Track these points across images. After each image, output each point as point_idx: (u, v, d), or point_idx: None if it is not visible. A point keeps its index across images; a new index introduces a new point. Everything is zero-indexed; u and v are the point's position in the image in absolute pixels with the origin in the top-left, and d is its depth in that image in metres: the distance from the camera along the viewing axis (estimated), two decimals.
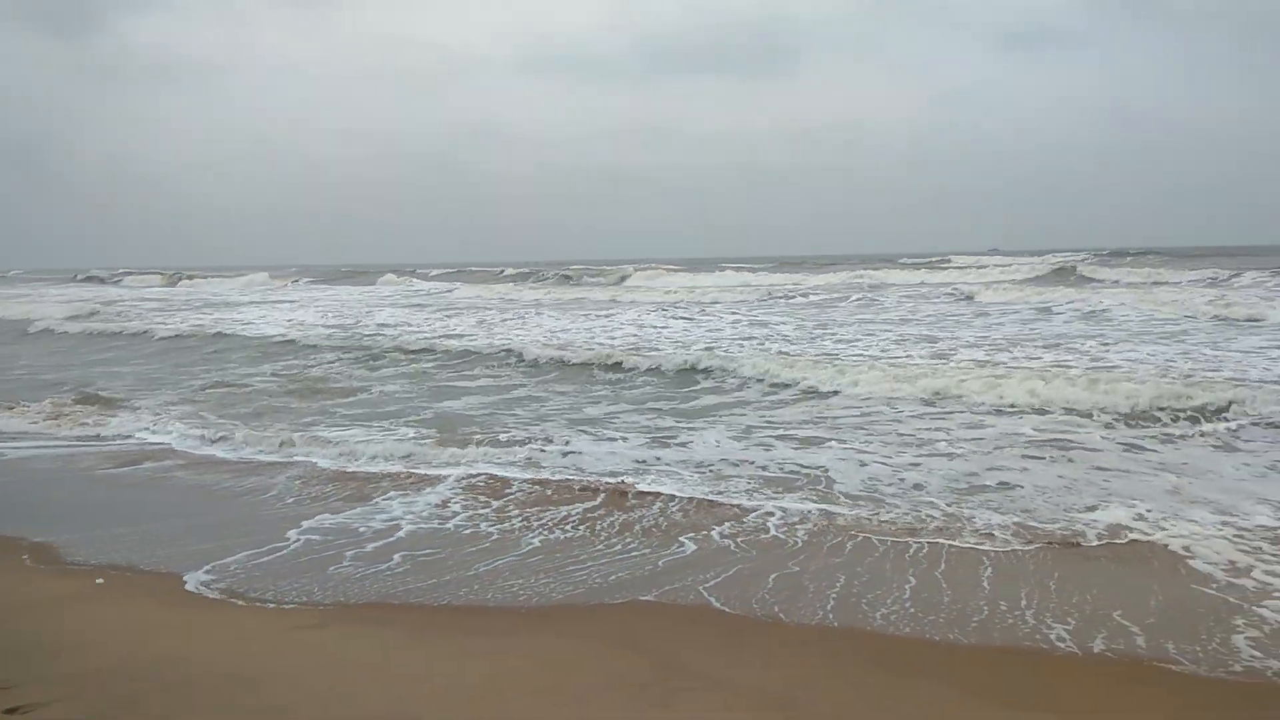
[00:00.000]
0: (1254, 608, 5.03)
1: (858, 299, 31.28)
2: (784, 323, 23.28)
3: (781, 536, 6.52)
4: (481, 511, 7.28)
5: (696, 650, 4.67)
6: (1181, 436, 9.28)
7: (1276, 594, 5.22)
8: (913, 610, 5.16)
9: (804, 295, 34.76)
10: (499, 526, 6.88)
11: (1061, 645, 4.68)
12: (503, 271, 69.06)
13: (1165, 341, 16.58)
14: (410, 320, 27.06)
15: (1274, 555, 5.80)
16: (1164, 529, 6.37)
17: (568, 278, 56.04)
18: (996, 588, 5.47)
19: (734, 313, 27.40)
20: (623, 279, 51.71)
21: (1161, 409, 10.15)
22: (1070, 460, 8.50)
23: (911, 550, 6.14)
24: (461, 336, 21.15)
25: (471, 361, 16.94)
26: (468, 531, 6.79)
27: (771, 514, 6.98)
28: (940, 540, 6.32)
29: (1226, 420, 9.61)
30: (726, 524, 6.78)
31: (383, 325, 25.43)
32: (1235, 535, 6.20)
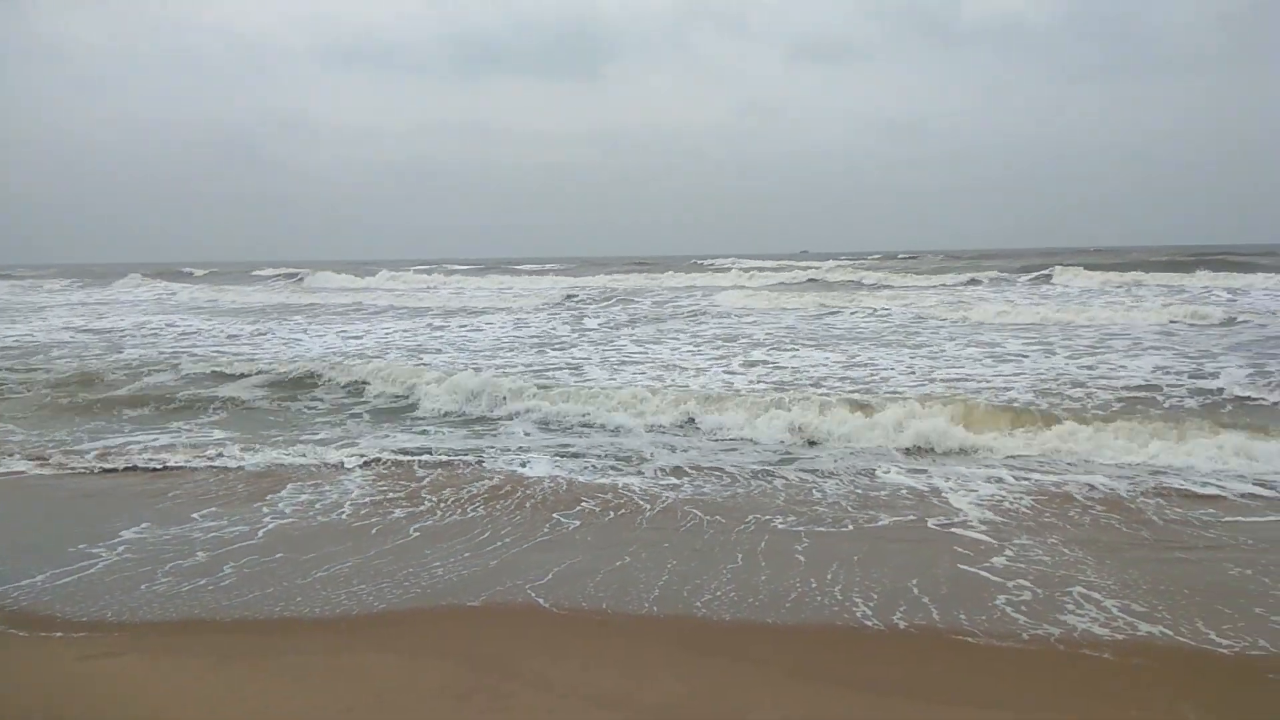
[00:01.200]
0: None
1: (571, 310, 30.07)
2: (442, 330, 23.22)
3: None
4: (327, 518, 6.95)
5: (525, 652, 4.59)
6: None
7: None
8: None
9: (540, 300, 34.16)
10: (338, 529, 6.60)
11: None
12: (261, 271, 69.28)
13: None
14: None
15: None
16: None
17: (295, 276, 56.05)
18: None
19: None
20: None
21: None
22: None
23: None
24: None
25: None
26: (303, 536, 6.47)
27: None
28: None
29: None
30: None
31: None
32: None
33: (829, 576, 5.55)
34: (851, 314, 25.13)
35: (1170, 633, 4.64)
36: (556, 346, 18.58)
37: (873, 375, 13.53)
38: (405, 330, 23.39)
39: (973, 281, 38.16)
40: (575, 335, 20.96)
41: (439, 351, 18.08)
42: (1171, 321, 19.69)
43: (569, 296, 35.70)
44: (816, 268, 51.68)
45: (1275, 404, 10.55)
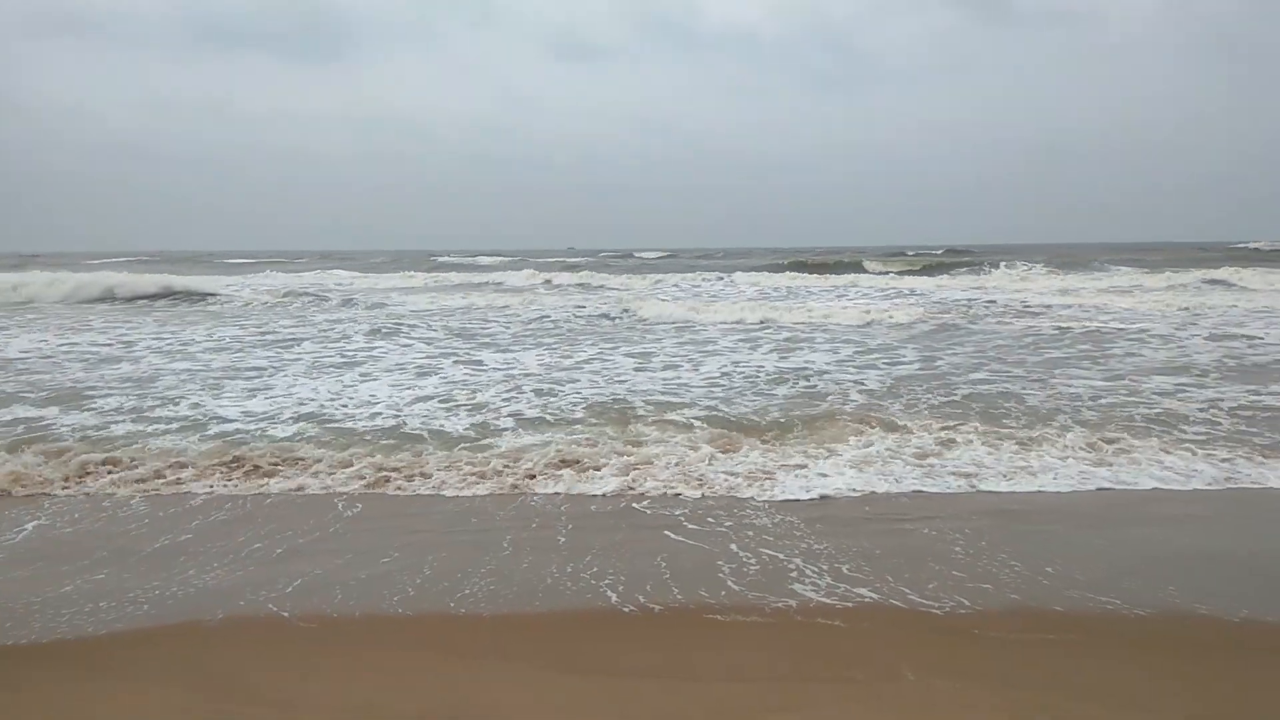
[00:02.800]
0: None
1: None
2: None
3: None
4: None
5: (266, 669, 4.28)
6: None
7: None
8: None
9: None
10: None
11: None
12: None
13: None
14: None
15: None
16: None
17: None
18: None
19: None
20: None
21: None
22: None
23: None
24: None
25: None
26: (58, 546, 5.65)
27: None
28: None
29: None
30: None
31: None
32: None
33: (587, 560, 5.63)
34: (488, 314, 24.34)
35: (889, 598, 5.11)
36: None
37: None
38: None
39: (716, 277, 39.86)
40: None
41: None
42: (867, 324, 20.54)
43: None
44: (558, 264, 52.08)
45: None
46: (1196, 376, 12.05)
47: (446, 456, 8.13)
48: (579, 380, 12.24)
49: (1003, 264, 43.70)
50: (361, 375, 12.85)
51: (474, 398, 10.87)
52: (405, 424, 9.40)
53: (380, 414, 9.90)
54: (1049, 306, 23.31)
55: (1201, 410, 9.84)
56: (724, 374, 12.75)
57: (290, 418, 9.74)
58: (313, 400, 10.74)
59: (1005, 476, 7.47)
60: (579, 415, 9.74)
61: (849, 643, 4.57)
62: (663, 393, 11.06)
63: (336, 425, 9.34)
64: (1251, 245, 69.64)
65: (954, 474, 7.54)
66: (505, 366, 13.73)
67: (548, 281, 39.26)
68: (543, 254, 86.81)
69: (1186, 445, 8.30)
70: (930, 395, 10.75)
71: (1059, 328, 18.42)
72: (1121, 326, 18.45)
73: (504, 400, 10.66)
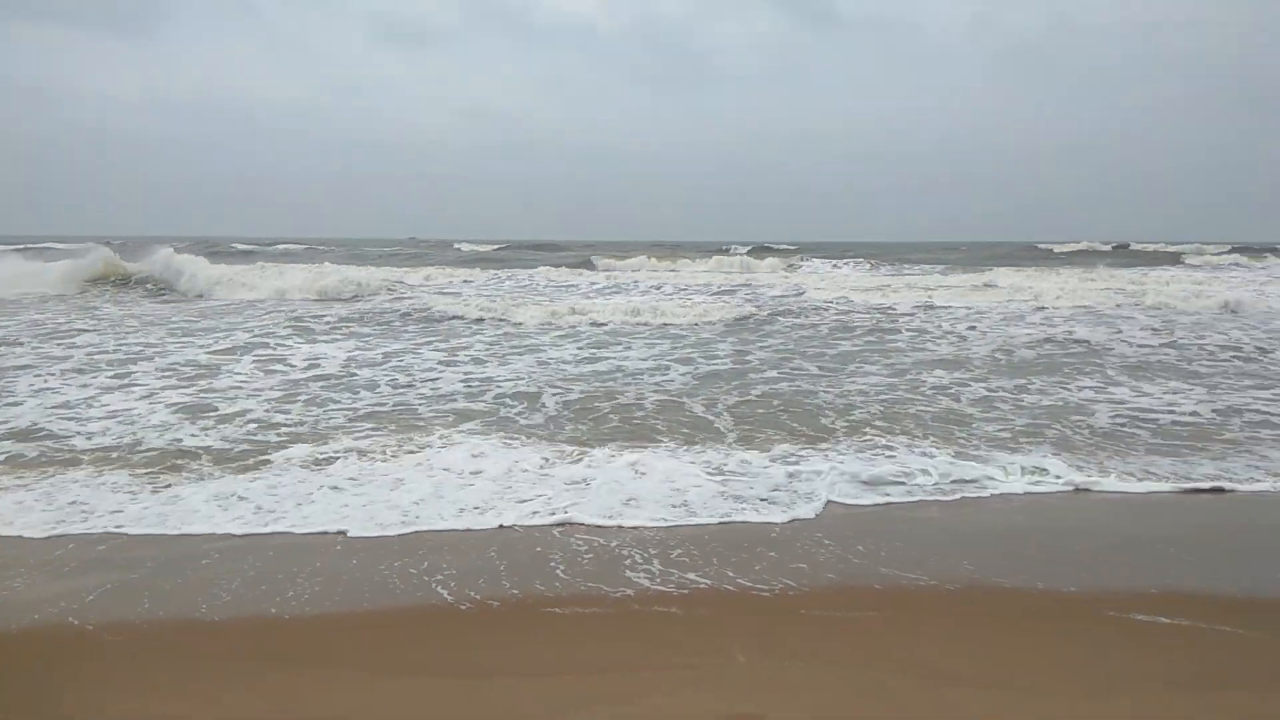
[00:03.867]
0: None
1: None
2: None
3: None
4: None
5: (69, 686, 3.92)
6: None
7: None
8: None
9: None
10: None
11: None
12: None
13: None
14: None
15: None
16: None
17: None
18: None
19: None
20: None
21: None
22: None
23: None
24: None
25: None
26: None
27: None
28: None
29: None
30: None
31: None
32: None
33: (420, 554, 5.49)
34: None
35: (720, 583, 5.28)
36: None
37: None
38: None
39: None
40: None
41: None
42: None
43: None
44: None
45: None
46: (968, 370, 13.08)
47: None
48: (378, 377, 11.88)
49: (814, 260, 45.90)
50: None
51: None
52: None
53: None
54: (850, 303, 24.60)
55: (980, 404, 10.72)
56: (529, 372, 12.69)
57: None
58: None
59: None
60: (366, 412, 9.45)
61: (683, 629, 4.68)
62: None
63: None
64: (1044, 245, 75.44)
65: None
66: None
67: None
68: (382, 244, 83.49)
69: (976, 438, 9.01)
70: (729, 395, 10.96)
71: (844, 322, 19.58)
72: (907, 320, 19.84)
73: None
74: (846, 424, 9.21)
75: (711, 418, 9.47)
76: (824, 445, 8.37)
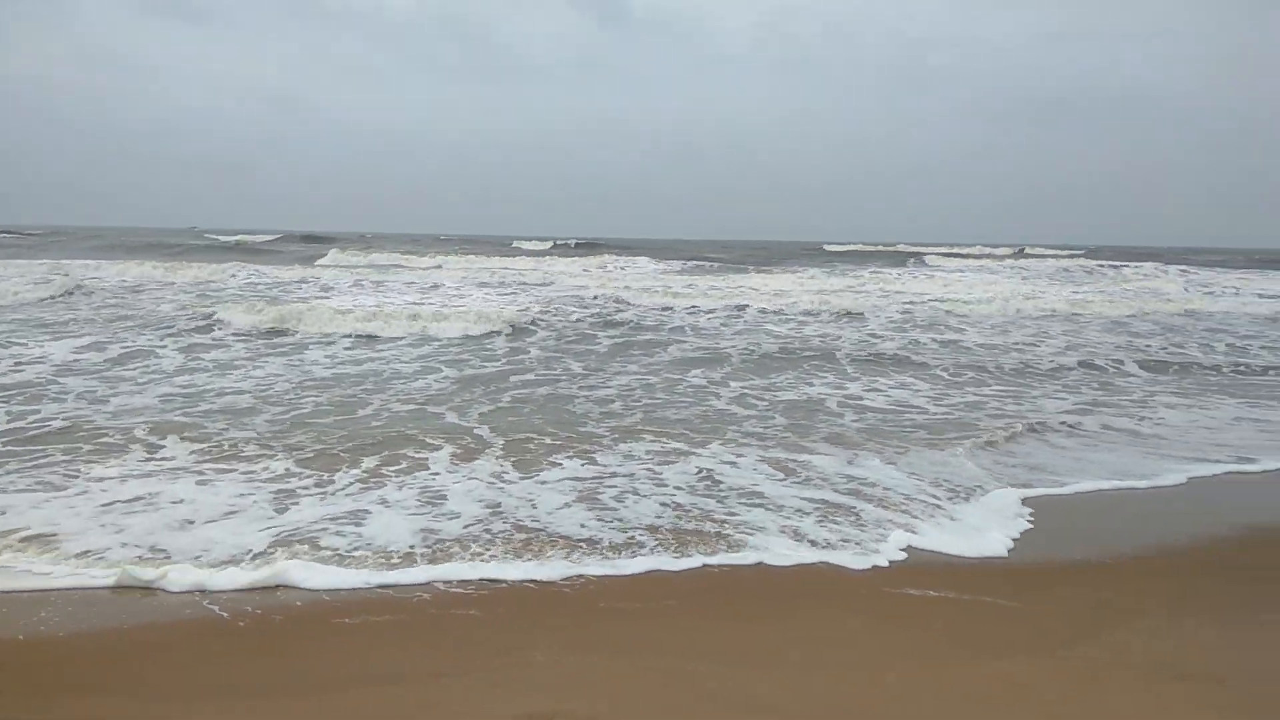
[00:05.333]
0: None
1: None
2: None
3: None
4: None
5: None
6: None
7: None
8: None
9: None
10: None
11: None
12: None
13: None
14: None
15: None
16: None
17: None
18: None
19: None
20: None
21: None
22: None
23: None
24: None
25: None
26: None
27: None
28: None
29: None
30: None
31: None
32: None
33: None
34: None
35: (522, 581, 5.23)
36: None
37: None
38: None
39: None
40: None
41: None
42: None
43: None
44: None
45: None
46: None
47: None
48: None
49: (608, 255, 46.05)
50: None
51: None
52: None
53: None
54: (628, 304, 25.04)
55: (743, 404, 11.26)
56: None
57: None
58: None
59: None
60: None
61: (485, 631, 4.58)
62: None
63: None
64: (828, 245, 79.32)
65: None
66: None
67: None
68: (162, 233, 75.42)
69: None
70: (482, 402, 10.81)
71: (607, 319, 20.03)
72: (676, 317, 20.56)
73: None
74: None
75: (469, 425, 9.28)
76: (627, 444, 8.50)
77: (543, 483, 7.21)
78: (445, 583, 5.13)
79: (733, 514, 6.49)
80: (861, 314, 21.40)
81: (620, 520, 6.34)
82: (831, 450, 8.46)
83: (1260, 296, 30.08)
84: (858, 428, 9.55)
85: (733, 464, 7.90)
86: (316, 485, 6.98)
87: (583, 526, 6.20)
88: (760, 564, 5.58)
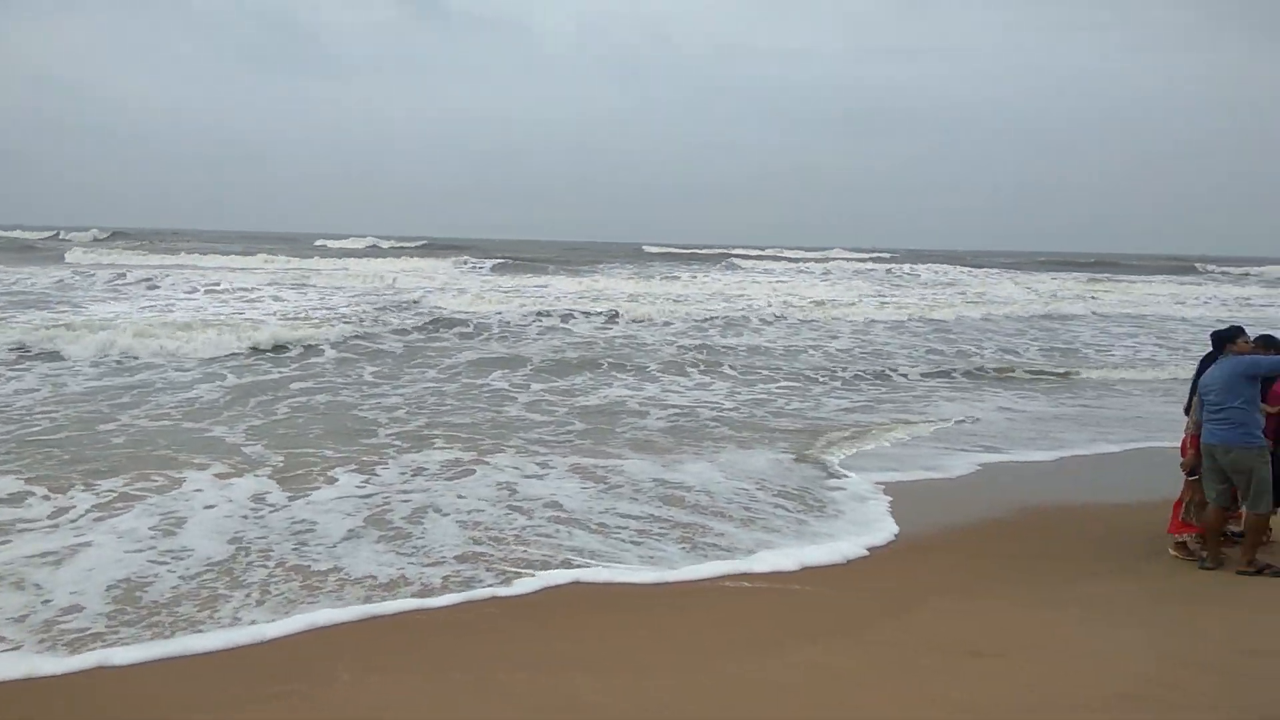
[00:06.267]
0: None
1: None
2: None
3: None
4: None
5: None
6: None
7: None
8: None
9: None
10: None
11: None
12: None
13: None
14: None
15: None
16: None
17: None
18: None
19: None
20: None
21: None
22: None
23: None
24: None
25: None
26: None
27: None
28: None
29: None
30: None
31: None
32: None
33: None
34: None
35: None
36: None
37: None
38: None
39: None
40: None
41: None
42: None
43: None
44: None
45: None
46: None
47: None
48: None
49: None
50: None
51: None
52: None
53: None
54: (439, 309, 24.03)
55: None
56: None
57: None
58: None
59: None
60: None
61: (283, 655, 4.28)
62: None
63: None
64: (649, 247, 79.08)
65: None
66: None
67: None
68: None
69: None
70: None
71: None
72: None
73: None
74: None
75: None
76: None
77: (317, 504, 6.57)
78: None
79: (547, 535, 6.12)
80: (651, 318, 21.36)
81: (421, 550, 5.76)
82: (639, 454, 8.36)
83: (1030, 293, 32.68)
84: (661, 429, 9.48)
85: (538, 476, 7.57)
86: (44, 515, 6.09)
87: (379, 565, 5.48)
88: (576, 582, 5.35)
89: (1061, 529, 6.63)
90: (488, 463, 7.87)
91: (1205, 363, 6.14)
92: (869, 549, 6.05)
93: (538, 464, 7.92)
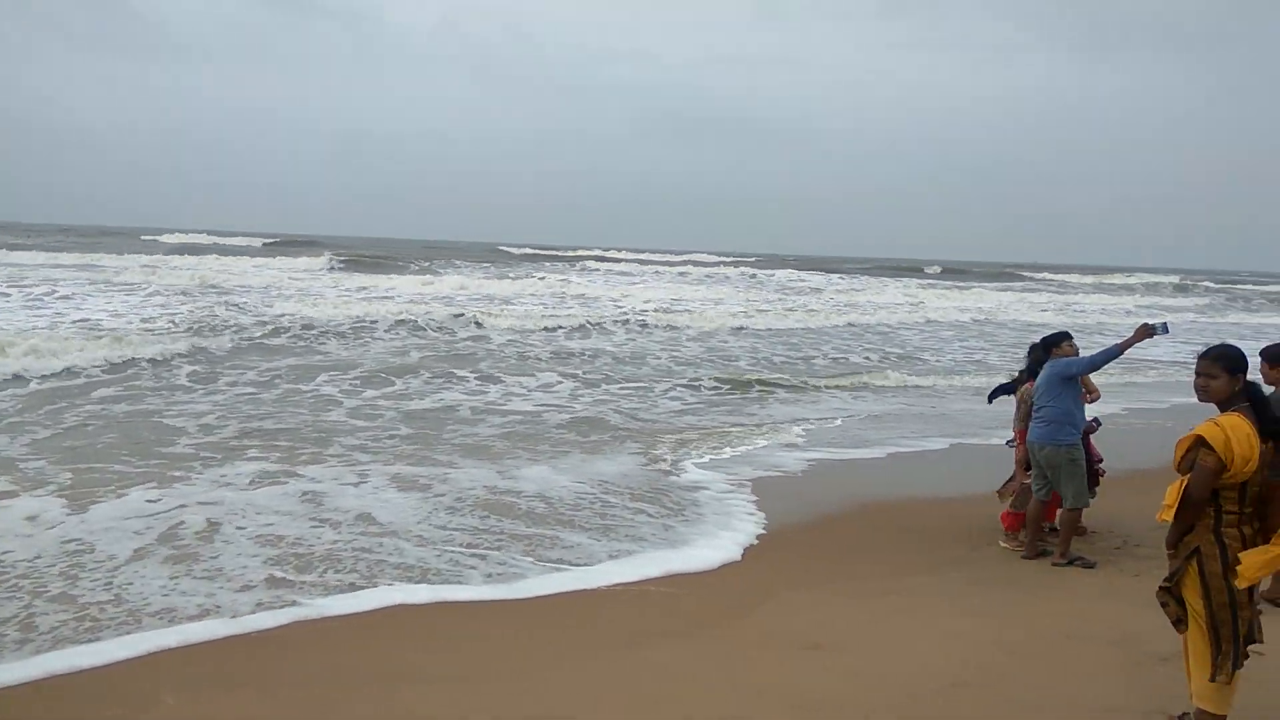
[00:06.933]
0: None
1: None
2: None
3: None
4: None
5: None
6: None
7: None
8: None
9: None
10: None
11: None
12: None
13: None
14: None
15: None
16: None
17: None
18: None
19: None
20: None
21: None
22: None
23: None
24: None
25: None
26: None
27: None
28: None
29: None
30: None
31: None
32: None
33: None
34: None
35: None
36: None
37: None
38: None
39: None
40: None
41: None
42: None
43: None
44: None
45: None
46: None
47: None
48: None
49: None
50: None
51: None
52: None
53: None
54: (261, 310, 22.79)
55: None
56: None
57: None
58: None
59: None
60: None
61: (104, 682, 4.00)
62: None
63: None
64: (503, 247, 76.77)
65: None
66: None
67: None
68: None
69: None
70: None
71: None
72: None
73: None
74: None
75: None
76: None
77: (94, 524, 5.87)
78: None
79: (364, 549, 5.71)
80: (493, 318, 20.73)
81: (218, 571, 5.25)
82: (470, 461, 8.00)
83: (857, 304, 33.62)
84: (496, 434, 9.14)
85: (353, 485, 7.09)
86: None
87: (173, 588, 4.99)
88: (399, 605, 4.98)
89: (897, 523, 6.81)
90: (299, 474, 7.30)
91: (1033, 365, 6.36)
92: (716, 550, 6.03)
93: (356, 473, 7.41)
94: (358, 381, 11.95)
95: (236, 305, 20.84)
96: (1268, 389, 4.73)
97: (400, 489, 7.01)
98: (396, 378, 12.37)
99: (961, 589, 5.43)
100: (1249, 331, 27.24)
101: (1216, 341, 4.36)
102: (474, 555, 5.70)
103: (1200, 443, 3.27)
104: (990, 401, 7.01)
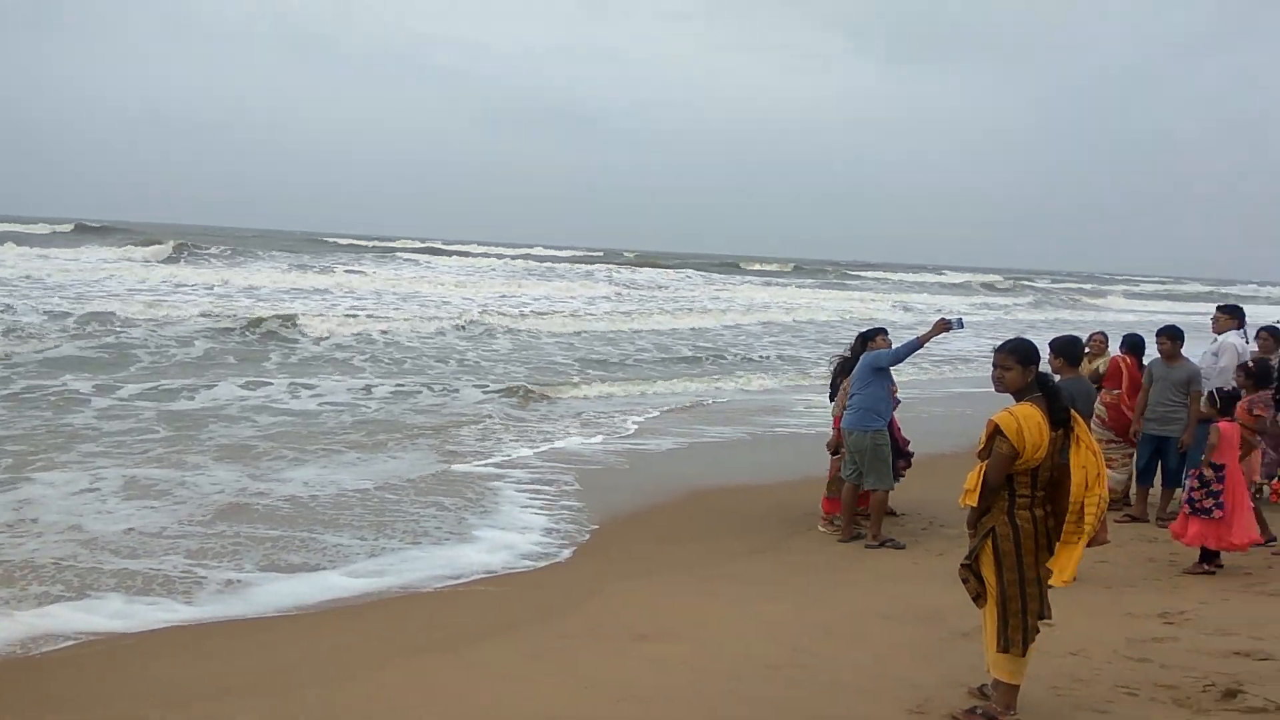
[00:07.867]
0: None
1: None
2: None
3: None
4: None
5: None
6: None
7: None
8: None
9: None
10: None
11: None
12: None
13: None
14: None
15: None
16: None
17: None
18: None
19: None
20: None
21: None
22: None
23: None
24: None
25: None
26: None
27: None
28: None
29: None
30: None
31: None
32: None
33: None
34: None
35: None
36: None
37: None
38: None
39: None
40: None
41: None
42: None
43: None
44: None
45: None
46: None
47: None
48: None
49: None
50: None
51: None
52: None
53: None
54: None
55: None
56: None
57: None
58: None
59: None
60: None
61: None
62: None
63: None
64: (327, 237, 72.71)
65: None
66: None
67: None
68: None
69: None
70: None
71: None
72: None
73: None
74: None
75: None
76: None
77: None
78: None
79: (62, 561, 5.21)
80: (294, 315, 19.50)
81: None
82: (224, 463, 7.48)
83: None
84: (262, 434, 8.64)
85: (93, 489, 6.54)
86: None
87: None
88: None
89: (719, 510, 6.99)
90: (30, 479, 6.66)
91: (853, 357, 6.61)
92: (535, 544, 6.02)
93: (90, 477, 6.81)
94: (119, 380, 10.84)
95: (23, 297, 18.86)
96: (1059, 378, 5.00)
97: (138, 494, 6.47)
98: (168, 377, 11.35)
99: (781, 573, 5.63)
100: (1044, 325, 29.51)
101: (1012, 335, 4.54)
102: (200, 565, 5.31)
103: (996, 431, 3.45)
104: (832, 399, 6.95)
